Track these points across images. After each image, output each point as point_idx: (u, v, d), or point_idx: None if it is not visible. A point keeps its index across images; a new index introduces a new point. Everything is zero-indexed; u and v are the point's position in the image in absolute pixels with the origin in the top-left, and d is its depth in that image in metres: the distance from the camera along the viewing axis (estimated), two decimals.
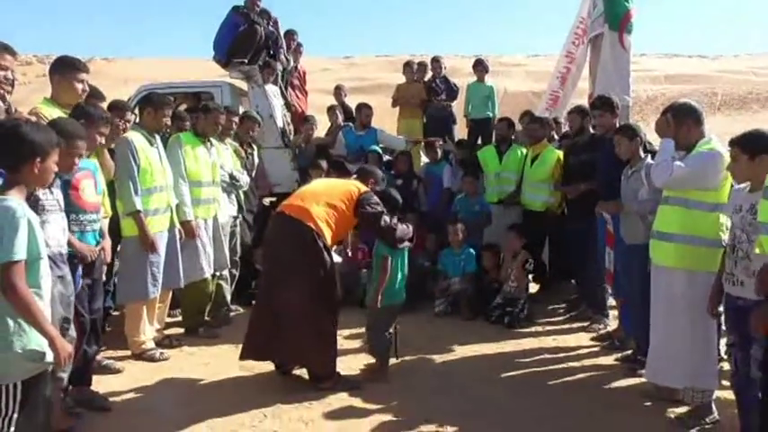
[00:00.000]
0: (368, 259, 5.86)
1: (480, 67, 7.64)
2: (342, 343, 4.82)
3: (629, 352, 4.36)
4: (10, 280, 2.15)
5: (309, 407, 3.64)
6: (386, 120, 7.89)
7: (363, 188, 4.12)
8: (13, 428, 2.21)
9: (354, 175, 4.44)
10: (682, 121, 3.45)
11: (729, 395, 3.33)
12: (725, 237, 3.23)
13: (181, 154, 4.66)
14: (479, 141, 7.41)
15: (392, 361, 4.23)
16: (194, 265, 4.74)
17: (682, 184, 3.36)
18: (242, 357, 4.02)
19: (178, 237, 4.52)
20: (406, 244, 4.17)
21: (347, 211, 3.98)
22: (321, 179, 4.63)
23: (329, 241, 3.91)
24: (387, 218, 4.04)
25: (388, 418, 3.51)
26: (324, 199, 3.95)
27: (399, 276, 4.14)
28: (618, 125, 4.71)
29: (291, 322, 3.78)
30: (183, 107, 6.56)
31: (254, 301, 4.37)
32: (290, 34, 7.65)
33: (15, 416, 2.21)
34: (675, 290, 3.42)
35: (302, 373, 4.06)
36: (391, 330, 4.18)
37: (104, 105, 4.20)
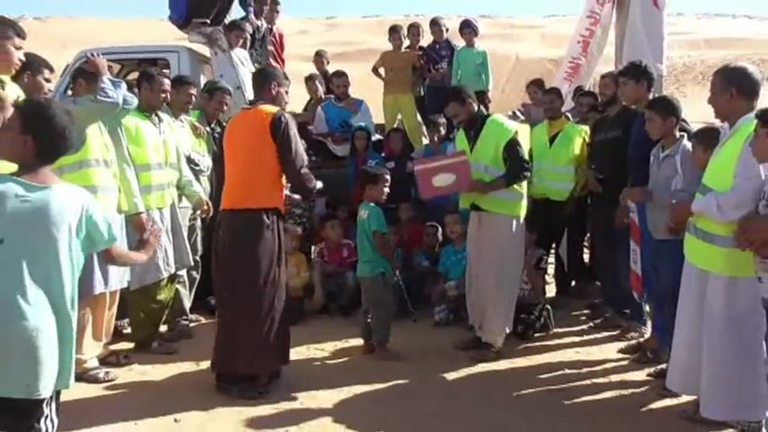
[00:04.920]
0: (354, 258, 5.85)
1: (468, 29, 7.50)
2: (324, 357, 4.86)
3: (663, 366, 4.35)
4: None
5: None
6: (375, 93, 7.81)
7: (275, 110, 4.11)
8: None
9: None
10: (726, 87, 3.39)
11: None
12: None
13: (121, 134, 4.55)
14: None
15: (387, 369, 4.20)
16: (148, 265, 4.61)
17: (747, 199, 3.17)
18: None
19: (123, 223, 4.44)
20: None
21: (268, 152, 4.05)
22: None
23: (276, 200, 4.15)
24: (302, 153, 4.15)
25: None
26: (243, 163, 4.12)
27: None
28: (650, 97, 4.71)
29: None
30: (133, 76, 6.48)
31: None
32: None
33: None
34: (716, 301, 3.37)
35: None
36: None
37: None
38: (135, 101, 4.51)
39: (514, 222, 4.77)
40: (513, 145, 4.67)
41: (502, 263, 4.74)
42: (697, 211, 3.42)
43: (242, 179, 4.15)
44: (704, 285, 3.44)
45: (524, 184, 4.84)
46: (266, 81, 4.26)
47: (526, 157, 4.79)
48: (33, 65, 3.89)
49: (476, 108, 4.86)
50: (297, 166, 4.11)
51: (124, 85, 4.26)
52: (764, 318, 3.16)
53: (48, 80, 4.00)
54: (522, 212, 4.84)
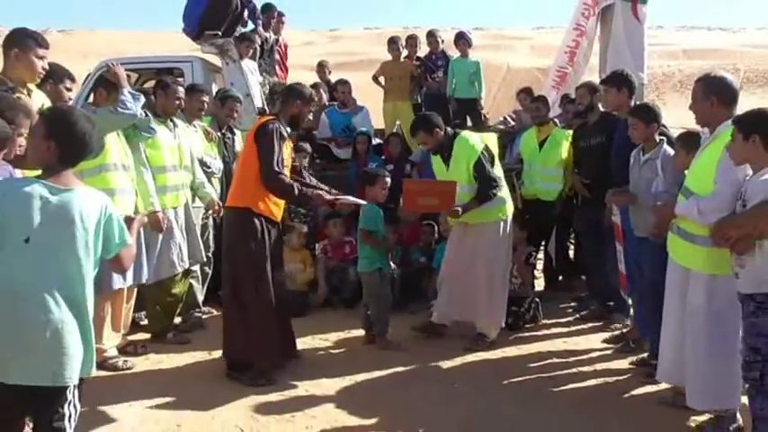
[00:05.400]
0: (355, 254, 5.83)
1: (462, 40, 7.47)
2: (327, 347, 4.85)
3: (645, 355, 4.35)
4: None
5: (291, 420, 3.60)
6: (375, 100, 7.80)
7: (266, 119, 4.22)
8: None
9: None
10: (707, 96, 3.37)
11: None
12: None
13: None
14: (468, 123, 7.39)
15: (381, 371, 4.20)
16: (163, 261, 4.66)
17: (726, 203, 3.13)
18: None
19: (140, 225, 4.42)
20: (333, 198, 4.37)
21: (254, 157, 4.08)
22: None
23: (263, 206, 4.11)
24: (276, 158, 4.06)
25: (381, 429, 3.48)
26: (240, 167, 4.24)
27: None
28: (632, 105, 4.69)
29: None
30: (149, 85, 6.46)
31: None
32: (269, 9, 7.54)
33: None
34: (697, 298, 3.36)
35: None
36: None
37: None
38: (155, 132, 4.49)
39: (501, 225, 4.76)
40: (480, 165, 4.61)
41: (494, 262, 4.75)
42: (680, 214, 3.39)
43: (237, 181, 4.29)
44: (686, 283, 3.44)
45: (504, 188, 4.80)
46: (292, 98, 4.27)
47: (494, 172, 4.68)
48: (56, 74, 3.88)
49: (443, 134, 4.71)
50: (267, 167, 4.03)
51: (143, 99, 4.23)
52: (740, 312, 3.16)
53: (69, 89, 4.00)
54: (509, 213, 4.82)
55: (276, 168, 4.05)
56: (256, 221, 4.11)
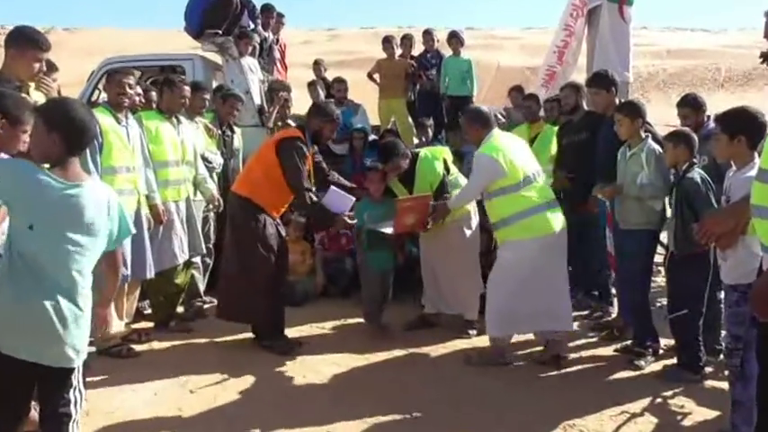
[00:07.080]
0: (351, 246, 5.83)
1: (455, 39, 7.41)
2: (323, 334, 4.84)
3: (628, 343, 4.36)
4: None
5: (288, 405, 3.60)
6: (370, 97, 7.77)
7: (291, 134, 4.46)
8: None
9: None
10: (470, 125, 4.27)
11: None
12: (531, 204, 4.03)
13: (142, 135, 4.51)
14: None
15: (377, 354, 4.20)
16: (165, 252, 4.65)
17: (476, 194, 4.36)
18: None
19: (145, 224, 4.42)
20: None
21: (271, 161, 4.33)
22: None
23: (264, 200, 4.37)
24: (304, 176, 4.30)
25: (377, 411, 3.50)
26: (254, 160, 4.50)
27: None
28: (618, 103, 4.68)
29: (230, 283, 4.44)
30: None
31: None
32: (268, 10, 7.50)
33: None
34: (520, 259, 4.05)
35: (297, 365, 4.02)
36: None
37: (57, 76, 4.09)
38: None
39: (465, 220, 4.75)
40: (443, 185, 4.66)
41: (465, 252, 4.78)
42: (452, 207, 4.41)
43: (246, 171, 4.62)
44: (516, 254, 4.05)
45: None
46: (317, 115, 4.52)
47: (450, 186, 4.69)
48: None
49: (407, 160, 4.69)
50: (297, 183, 4.30)
51: None
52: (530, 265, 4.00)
53: (54, 79, 3.99)
54: (470, 206, 4.77)
55: (305, 185, 4.30)
56: (255, 209, 4.36)
